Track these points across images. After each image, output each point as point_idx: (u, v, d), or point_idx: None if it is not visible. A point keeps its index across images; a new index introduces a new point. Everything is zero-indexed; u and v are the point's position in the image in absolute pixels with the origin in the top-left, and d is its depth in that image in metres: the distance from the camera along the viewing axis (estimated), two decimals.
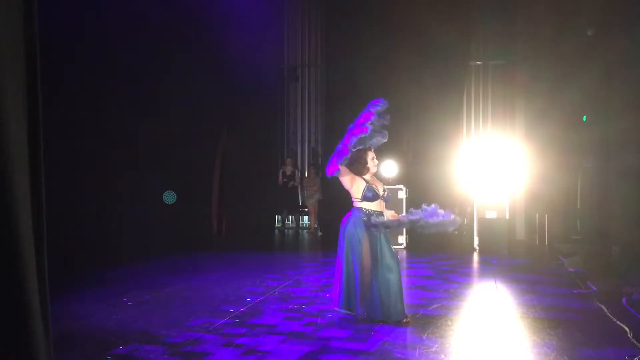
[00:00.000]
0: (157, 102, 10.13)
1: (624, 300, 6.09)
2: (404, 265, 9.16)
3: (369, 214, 5.33)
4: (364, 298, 5.33)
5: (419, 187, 10.91)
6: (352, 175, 5.34)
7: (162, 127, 10.33)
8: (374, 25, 11.16)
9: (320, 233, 12.90)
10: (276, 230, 14.11)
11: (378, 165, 5.61)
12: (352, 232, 5.33)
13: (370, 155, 5.38)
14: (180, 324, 5.34)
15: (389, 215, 5.51)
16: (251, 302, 6.24)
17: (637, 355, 4.31)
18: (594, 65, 8.89)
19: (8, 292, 2.74)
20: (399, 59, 10.95)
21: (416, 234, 10.69)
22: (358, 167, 5.34)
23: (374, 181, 5.46)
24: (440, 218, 5.23)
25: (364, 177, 5.39)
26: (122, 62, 9.22)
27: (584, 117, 10.13)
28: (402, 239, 10.78)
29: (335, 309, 5.50)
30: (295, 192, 13.93)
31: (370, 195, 5.33)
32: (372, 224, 5.29)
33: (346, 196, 5.61)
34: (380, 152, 5.45)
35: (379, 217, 5.36)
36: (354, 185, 5.36)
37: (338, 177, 5.35)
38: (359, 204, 5.37)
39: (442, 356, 4.42)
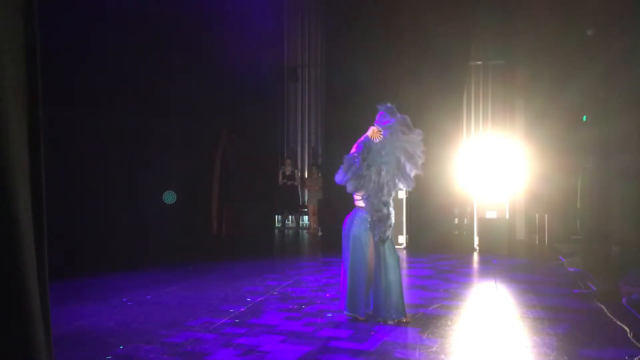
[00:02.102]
0: (157, 102, 10.12)
1: (624, 300, 6.09)
2: (404, 265, 9.16)
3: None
4: (368, 299, 5.39)
5: (419, 187, 10.83)
6: None
7: (162, 127, 10.33)
8: (374, 25, 11.14)
9: (320, 233, 12.90)
10: (276, 230, 14.11)
11: None
12: (357, 232, 5.39)
13: None
14: (180, 324, 5.34)
15: None
16: (251, 302, 6.24)
17: (637, 355, 4.31)
18: (594, 65, 8.88)
19: (8, 292, 2.73)
20: (399, 59, 10.93)
21: (416, 233, 10.85)
22: None
23: None
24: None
25: None
26: (122, 62, 9.21)
27: (584, 117, 10.12)
28: (402, 239, 10.79)
29: (343, 310, 5.50)
30: (296, 192, 13.93)
31: None
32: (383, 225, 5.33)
33: (346, 196, 5.63)
34: None
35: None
36: None
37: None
38: (360, 202, 5.44)
39: (442, 356, 4.42)
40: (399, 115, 5.39)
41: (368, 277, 5.37)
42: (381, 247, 5.35)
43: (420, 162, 5.34)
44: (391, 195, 5.32)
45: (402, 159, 5.27)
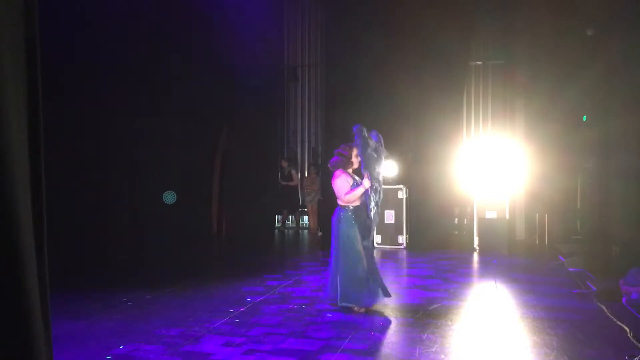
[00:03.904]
0: (157, 102, 10.12)
1: (624, 300, 6.09)
2: (405, 265, 9.17)
3: (355, 210, 5.82)
4: (375, 287, 5.79)
5: (419, 187, 10.91)
6: (344, 178, 5.86)
7: (162, 127, 10.32)
8: (374, 25, 11.13)
9: (320, 233, 12.90)
10: (276, 230, 14.11)
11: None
12: (346, 230, 5.75)
13: (355, 152, 5.90)
14: (180, 324, 5.34)
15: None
16: (251, 302, 6.24)
17: (637, 355, 4.31)
18: (594, 65, 8.87)
19: (8, 292, 2.73)
20: (399, 59, 10.92)
21: (416, 233, 10.85)
22: (344, 160, 5.89)
23: (352, 175, 5.98)
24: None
25: (347, 171, 5.91)
26: (122, 62, 9.22)
27: (584, 117, 10.12)
28: (402, 239, 10.78)
29: (369, 306, 5.78)
30: (295, 192, 13.92)
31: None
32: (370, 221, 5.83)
33: None
34: None
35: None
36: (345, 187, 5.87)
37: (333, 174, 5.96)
38: (341, 202, 5.90)
39: (442, 356, 4.42)
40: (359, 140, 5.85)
41: (370, 265, 5.80)
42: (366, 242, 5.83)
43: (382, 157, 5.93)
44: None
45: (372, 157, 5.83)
